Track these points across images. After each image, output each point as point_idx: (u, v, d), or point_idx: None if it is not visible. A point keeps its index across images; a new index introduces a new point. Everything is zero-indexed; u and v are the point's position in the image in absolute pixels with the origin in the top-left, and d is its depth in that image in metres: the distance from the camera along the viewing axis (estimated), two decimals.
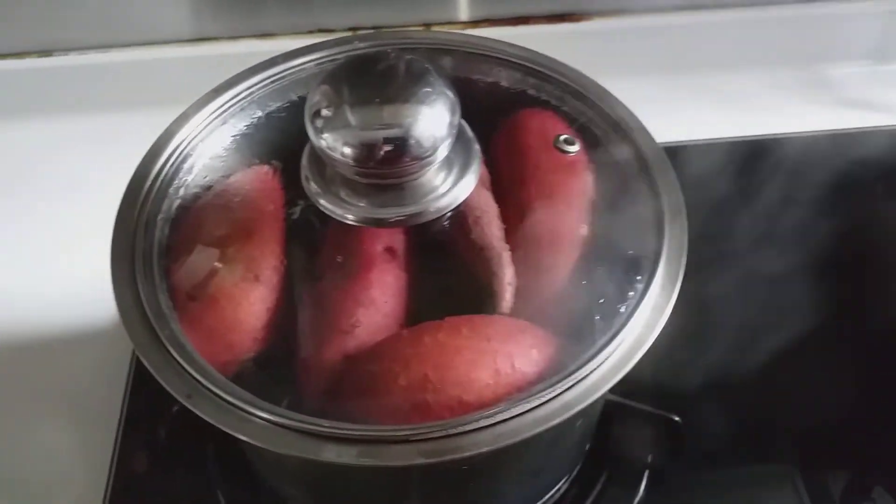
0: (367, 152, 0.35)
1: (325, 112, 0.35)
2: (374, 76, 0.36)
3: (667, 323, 0.36)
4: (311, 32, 0.72)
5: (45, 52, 0.70)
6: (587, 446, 0.49)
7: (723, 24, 0.74)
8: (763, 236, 0.61)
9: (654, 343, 0.35)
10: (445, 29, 0.74)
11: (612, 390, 0.34)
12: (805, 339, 0.56)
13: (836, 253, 0.62)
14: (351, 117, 0.35)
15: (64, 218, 0.64)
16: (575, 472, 0.50)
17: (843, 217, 0.64)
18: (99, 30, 0.69)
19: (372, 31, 0.73)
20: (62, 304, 0.58)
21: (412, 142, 0.35)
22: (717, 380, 0.53)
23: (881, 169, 0.66)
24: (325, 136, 0.35)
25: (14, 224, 0.64)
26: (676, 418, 0.49)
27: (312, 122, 0.36)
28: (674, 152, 0.43)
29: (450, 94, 0.36)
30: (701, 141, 0.69)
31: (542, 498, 0.47)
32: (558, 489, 0.49)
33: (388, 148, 0.35)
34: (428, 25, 0.74)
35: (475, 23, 0.74)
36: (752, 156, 0.67)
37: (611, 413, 0.47)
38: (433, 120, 0.35)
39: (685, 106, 0.72)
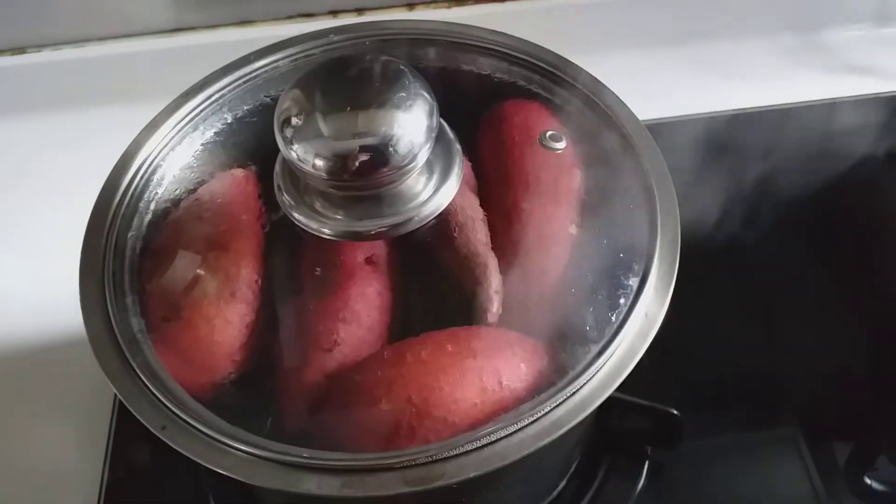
0: (340, 164, 0.33)
1: (294, 120, 0.33)
2: (346, 80, 0.34)
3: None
4: (291, 18, 0.70)
5: (18, 50, 0.68)
6: (583, 444, 0.48)
7: None
8: (758, 209, 0.59)
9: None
10: (430, 8, 0.72)
11: None
12: (811, 308, 0.55)
13: (839, 221, 0.61)
14: (322, 126, 0.33)
15: (46, 219, 0.62)
16: (573, 468, 0.49)
17: (842, 187, 0.62)
18: (73, 24, 0.67)
19: (354, 13, 0.71)
20: (52, 306, 0.56)
21: (389, 150, 0.33)
22: (720, 354, 0.53)
23: (882, 137, 0.65)
24: (296, 146, 0.33)
25: None
26: (675, 412, 0.48)
27: (282, 132, 0.34)
28: (662, 129, 0.41)
29: (427, 95, 0.34)
30: (693, 115, 0.66)
31: (544, 499, 0.46)
32: (558, 488, 0.48)
33: (363, 158, 0.33)
34: (411, 5, 0.72)
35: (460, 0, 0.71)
36: (748, 129, 0.66)
37: (607, 405, 0.46)
38: (410, 125, 0.33)
39: (676, 79, 0.70)
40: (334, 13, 0.70)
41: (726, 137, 0.64)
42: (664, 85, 0.68)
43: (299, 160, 0.33)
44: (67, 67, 0.68)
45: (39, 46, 0.68)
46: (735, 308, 0.57)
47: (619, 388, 0.42)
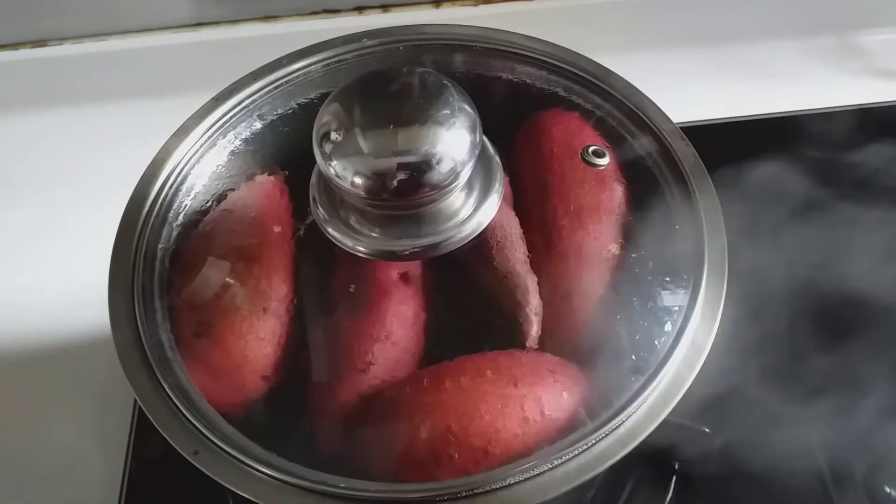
0: (380, 182, 0.32)
1: (334, 135, 0.32)
2: (387, 95, 0.33)
3: None
4: (315, 14, 0.69)
5: (40, 43, 0.67)
6: None
7: None
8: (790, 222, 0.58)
9: None
10: (457, 5, 0.70)
11: None
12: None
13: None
14: (362, 142, 0.32)
15: (67, 214, 0.62)
16: (600, 480, 0.48)
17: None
18: (95, 18, 0.66)
19: (379, 10, 0.69)
20: (76, 304, 0.56)
21: (430, 169, 0.32)
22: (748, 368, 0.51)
23: None
24: (335, 163, 0.32)
25: (16, 221, 0.62)
26: (706, 429, 0.47)
27: (321, 146, 0.33)
28: (694, 132, 0.40)
29: (470, 111, 0.33)
30: (723, 119, 0.65)
31: None
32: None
33: (402, 177, 0.31)
34: (438, 3, 0.70)
35: None
36: (779, 133, 0.64)
37: None
38: (453, 143, 0.32)
39: (705, 81, 0.68)
40: (359, 9, 0.69)
41: (759, 142, 0.63)
42: (681, 87, 0.66)
43: (338, 177, 0.32)
44: (89, 61, 0.67)
45: (61, 39, 0.67)
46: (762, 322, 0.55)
47: None
